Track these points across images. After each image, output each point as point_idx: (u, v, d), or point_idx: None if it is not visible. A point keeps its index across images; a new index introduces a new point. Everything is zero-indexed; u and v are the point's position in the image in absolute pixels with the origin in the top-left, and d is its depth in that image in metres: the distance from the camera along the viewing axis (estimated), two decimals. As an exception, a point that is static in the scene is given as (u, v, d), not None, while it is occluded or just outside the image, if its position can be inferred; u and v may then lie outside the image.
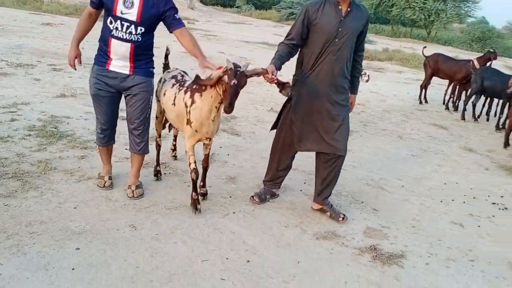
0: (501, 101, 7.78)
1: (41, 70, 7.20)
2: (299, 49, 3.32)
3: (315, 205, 3.63)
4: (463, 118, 8.01)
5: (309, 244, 3.15)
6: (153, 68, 3.32)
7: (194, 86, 3.15)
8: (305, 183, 4.24)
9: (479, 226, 3.77)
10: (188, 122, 3.15)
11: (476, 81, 7.71)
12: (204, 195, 3.57)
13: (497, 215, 4.03)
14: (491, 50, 8.53)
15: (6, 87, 5.86)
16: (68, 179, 3.55)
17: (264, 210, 3.55)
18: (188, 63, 7.49)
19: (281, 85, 3.03)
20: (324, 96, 3.26)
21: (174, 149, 4.31)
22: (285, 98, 3.46)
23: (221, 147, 4.86)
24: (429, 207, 4.05)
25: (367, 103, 8.51)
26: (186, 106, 3.15)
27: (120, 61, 3.13)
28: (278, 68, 3.09)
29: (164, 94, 3.41)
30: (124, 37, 3.04)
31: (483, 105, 8.40)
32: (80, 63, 3.22)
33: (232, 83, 2.77)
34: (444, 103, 9.07)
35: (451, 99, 8.87)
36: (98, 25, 3.24)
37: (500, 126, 7.50)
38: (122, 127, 3.86)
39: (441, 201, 4.19)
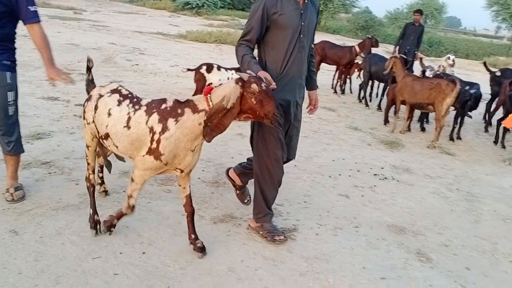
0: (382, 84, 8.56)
1: None
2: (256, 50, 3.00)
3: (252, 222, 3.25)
4: (360, 100, 8.65)
5: (206, 229, 3.18)
6: (12, 61, 3.02)
7: (163, 107, 2.51)
8: (203, 170, 4.26)
9: (362, 196, 4.13)
10: (153, 152, 2.50)
11: (365, 68, 8.36)
12: (203, 249, 2.84)
13: (378, 185, 4.45)
14: (369, 37, 9.28)
15: None
16: None
17: (161, 202, 3.51)
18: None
19: None
20: (293, 99, 2.98)
21: (102, 182, 3.44)
22: None
23: (113, 141, 4.66)
24: (319, 182, 4.32)
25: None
26: (152, 132, 2.49)
27: None
28: None
29: (109, 113, 2.60)
30: None
31: (366, 88, 9.15)
32: None
33: (264, 86, 2.39)
34: (332, 87, 9.70)
35: (338, 83, 9.52)
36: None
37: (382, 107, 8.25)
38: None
39: (330, 176, 4.51)
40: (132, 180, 2.63)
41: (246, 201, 3.52)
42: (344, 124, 6.87)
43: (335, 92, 9.49)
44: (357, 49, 8.77)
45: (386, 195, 4.23)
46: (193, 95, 5.90)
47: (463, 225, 3.78)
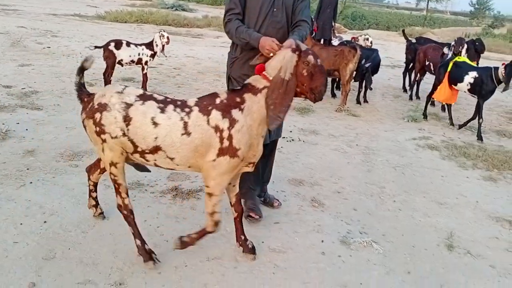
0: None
1: None
2: None
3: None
4: None
5: (112, 196, 3.23)
6: None
7: (218, 101, 2.33)
8: (113, 145, 4.30)
9: (268, 156, 4.41)
10: (227, 151, 2.28)
11: None
12: (253, 250, 2.69)
13: (284, 146, 4.75)
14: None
15: None
16: None
17: (66, 176, 3.54)
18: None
19: None
20: None
21: (97, 203, 2.98)
22: None
23: (18, 123, 4.56)
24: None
25: (183, 67, 8.79)
26: (219, 131, 2.27)
27: None
28: None
29: (155, 123, 2.24)
30: None
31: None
32: None
33: (319, 62, 2.32)
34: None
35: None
36: None
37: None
38: None
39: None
40: (211, 194, 2.37)
41: (276, 204, 3.34)
42: (260, 95, 7.11)
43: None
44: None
45: (291, 154, 4.54)
46: (104, 73, 5.85)
47: (356, 174, 4.18)
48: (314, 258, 2.74)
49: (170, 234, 2.83)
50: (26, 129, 4.42)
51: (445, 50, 6.81)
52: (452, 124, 6.27)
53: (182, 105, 2.33)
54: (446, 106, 6.66)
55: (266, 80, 2.33)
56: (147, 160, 2.38)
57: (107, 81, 5.91)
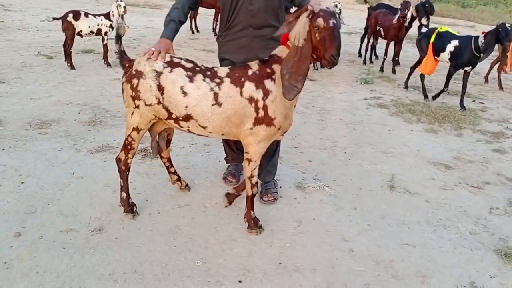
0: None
1: None
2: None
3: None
4: None
5: (84, 158, 3.49)
6: None
7: (250, 72, 2.35)
8: (79, 113, 4.45)
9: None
10: (263, 120, 2.35)
11: None
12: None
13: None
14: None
15: None
16: None
17: (37, 142, 3.70)
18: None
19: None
20: (250, 50, 2.77)
21: (179, 177, 3.07)
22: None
23: (-19, 96, 4.61)
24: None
25: (143, 38, 8.81)
26: (255, 101, 2.32)
27: None
28: None
29: (184, 93, 2.32)
30: None
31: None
32: None
33: (332, 23, 2.15)
34: (213, 30, 10.02)
35: (217, 26, 9.86)
36: None
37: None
38: None
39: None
40: (249, 160, 2.48)
41: (266, 199, 3.09)
42: (221, 63, 7.32)
43: (216, 35, 9.83)
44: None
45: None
46: (63, 44, 5.87)
47: (312, 131, 4.55)
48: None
49: (142, 188, 3.10)
50: (-10, 103, 4.50)
51: (396, 17, 7.14)
52: (426, 96, 6.12)
53: (212, 75, 2.36)
54: (422, 77, 6.23)
55: (289, 50, 2.31)
56: (181, 126, 2.47)
57: (67, 53, 5.94)
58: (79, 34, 5.85)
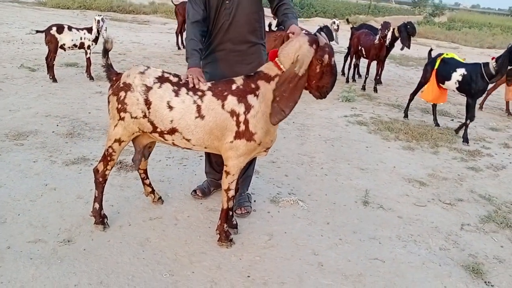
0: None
1: None
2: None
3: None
4: None
5: (58, 170, 3.48)
6: None
7: (234, 87, 2.39)
8: (57, 125, 4.44)
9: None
10: (243, 135, 2.37)
11: None
12: (236, 226, 2.86)
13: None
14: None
15: None
16: None
17: (12, 153, 3.68)
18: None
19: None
20: (228, 64, 2.84)
21: (153, 189, 3.08)
22: None
23: (-41, 106, 4.58)
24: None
25: (128, 53, 8.86)
26: (236, 115, 2.35)
27: None
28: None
29: (170, 107, 2.35)
30: None
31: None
32: None
33: (333, 61, 2.27)
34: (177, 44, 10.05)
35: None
36: None
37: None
38: None
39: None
40: (228, 173, 2.50)
41: (239, 212, 3.07)
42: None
43: (179, 48, 9.90)
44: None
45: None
46: (46, 57, 5.88)
47: (290, 146, 4.59)
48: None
49: (114, 200, 3.09)
50: (-32, 113, 4.47)
51: (377, 37, 7.31)
52: (437, 124, 5.90)
53: (194, 89, 2.39)
54: (433, 106, 6.01)
55: (278, 68, 2.35)
56: (165, 140, 2.49)
57: (49, 66, 5.95)
58: (62, 47, 5.88)
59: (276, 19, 8.98)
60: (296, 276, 2.50)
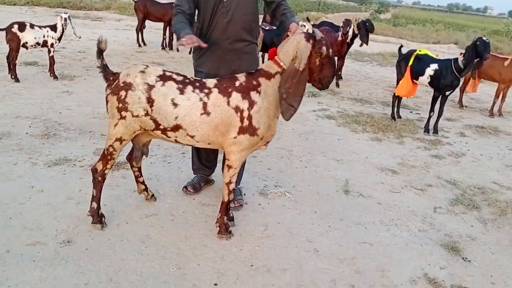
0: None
1: None
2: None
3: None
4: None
5: (41, 172, 3.40)
6: None
7: (237, 84, 2.47)
8: (30, 126, 4.31)
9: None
10: (246, 130, 2.46)
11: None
12: (232, 219, 2.96)
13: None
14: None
15: None
16: None
17: (-12, 156, 3.55)
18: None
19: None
20: (224, 62, 2.89)
21: (146, 187, 3.10)
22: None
23: None
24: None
25: (88, 50, 8.62)
26: (240, 111, 2.43)
27: None
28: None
29: (175, 104, 2.39)
30: None
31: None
32: None
33: (331, 52, 2.39)
34: (162, 44, 9.98)
35: (164, 40, 9.86)
36: None
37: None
38: None
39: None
40: (230, 166, 2.58)
41: (232, 205, 3.09)
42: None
43: (163, 48, 9.83)
44: (178, 5, 9.17)
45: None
46: (7, 56, 5.65)
47: (268, 141, 4.71)
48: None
49: (106, 199, 3.06)
50: None
51: (339, 34, 7.59)
52: (399, 116, 6.16)
53: (201, 86, 2.46)
54: (394, 98, 6.14)
55: (278, 66, 2.47)
56: (168, 137, 2.53)
57: (11, 65, 5.70)
58: (24, 45, 5.65)
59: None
60: (295, 263, 2.64)
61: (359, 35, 7.59)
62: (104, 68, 2.56)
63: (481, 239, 3.19)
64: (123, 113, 2.45)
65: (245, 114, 2.45)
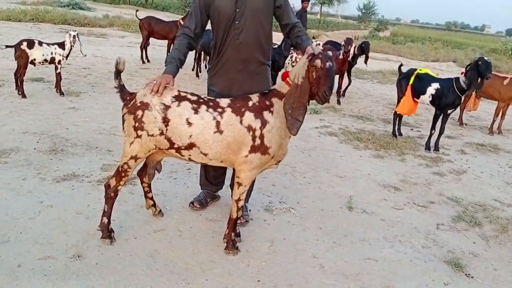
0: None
1: None
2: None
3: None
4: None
5: (50, 187, 3.45)
6: None
7: (251, 103, 2.55)
8: (38, 142, 4.37)
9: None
10: (258, 148, 2.53)
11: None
12: (239, 234, 3.00)
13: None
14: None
15: None
16: None
17: (-2, 171, 3.61)
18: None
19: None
20: (236, 82, 2.94)
21: (155, 202, 3.17)
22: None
23: None
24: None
25: (92, 67, 8.75)
26: (252, 130, 2.51)
27: None
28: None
29: (189, 123, 2.46)
30: None
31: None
32: None
33: (328, 65, 2.40)
34: (165, 61, 10.12)
35: (169, 56, 10.00)
36: None
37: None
38: None
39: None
40: (240, 184, 2.64)
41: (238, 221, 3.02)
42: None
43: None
44: (182, 22, 9.36)
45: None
46: (15, 73, 5.75)
47: (272, 158, 4.78)
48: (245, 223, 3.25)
49: (115, 214, 3.07)
50: None
51: (340, 52, 7.74)
52: (400, 134, 6.26)
53: (214, 106, 2.54)
54: (395, 116, 6.22)
55: (288, 86, 2.56)
56: (182, 155, 2.60)
57: (18, 82, 5.80)
58: (32, 62, 5.76)
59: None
60: (301, 278, 2.68)
61: (359, 56, 7.85)
62: (122, 88, 2.63)
63: (483, 255, 3.23)
64: (139, 132, 2.52)
65: (257, 133, 2.52)
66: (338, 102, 8.13)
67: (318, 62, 2.39)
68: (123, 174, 2.65)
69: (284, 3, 2.88)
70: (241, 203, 2.73)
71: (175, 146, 2.55)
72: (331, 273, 2.77)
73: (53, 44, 6.01)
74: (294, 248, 3.01)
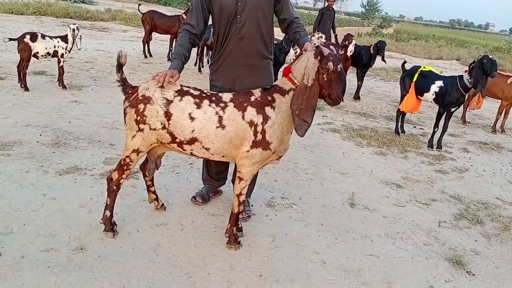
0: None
1: None
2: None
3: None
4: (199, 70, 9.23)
5: (53, 180, 3.46)
6: None
7: (253, 99, 2.54)
8: (40, 135, 4.38)
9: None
10: (260, 144, 2.52)
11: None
12: (241, 229, 3.01)
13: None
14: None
15: None
16: None
17: (1, 163, 3.61)
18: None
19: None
20: (238, 77, 2.94)
21: (157, 196, 3.16)
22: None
23: None
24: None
25: (95, 61, 8.74)
26: (254, 125, 2.50)
27: None
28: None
29: (192, 118, 2.46)
30: None
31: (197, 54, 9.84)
32: None
33: (339, 68, 2.40)
34: (168, 56, 10.12)
35: (171, 52, 9.99)
36: None
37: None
38: None
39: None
40: (241, 179, 2.65)
41: (240, 216, 3.00)
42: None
43: (169, 59, 9.95)
44: (185, 17, 9.32)
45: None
46: (18, 65, 5.74)
47: (274, 153, 4.78)
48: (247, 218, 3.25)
49: (117, 208, 3.08)
50: None
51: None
52: (403, 131, 6.23)
53: (217, 100, 2.53)
54: (398, 113, 6.18)
55: (292, 83, 2.54)
56: (184, 150, 2.59)
57: (21, 75, 5.80)
58: (35, 55, 5.76)
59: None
60: (303, 273, 2.68)
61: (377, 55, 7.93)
62: (124, 82, 2.62)
63: (485, 253, 3.23)
64: (141, 126, 2.52)
65: (259, 128, 2.51)
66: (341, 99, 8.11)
67: (330, 65, 2.38)
68: (125, 168, 2.66)
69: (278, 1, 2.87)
70: (242, 197, 2.73)
71: (177, 140, 2.55)
72: (333, 268, 2.77)
73: (56, 37, 6.00)
74: (296, 243, 3.01)
